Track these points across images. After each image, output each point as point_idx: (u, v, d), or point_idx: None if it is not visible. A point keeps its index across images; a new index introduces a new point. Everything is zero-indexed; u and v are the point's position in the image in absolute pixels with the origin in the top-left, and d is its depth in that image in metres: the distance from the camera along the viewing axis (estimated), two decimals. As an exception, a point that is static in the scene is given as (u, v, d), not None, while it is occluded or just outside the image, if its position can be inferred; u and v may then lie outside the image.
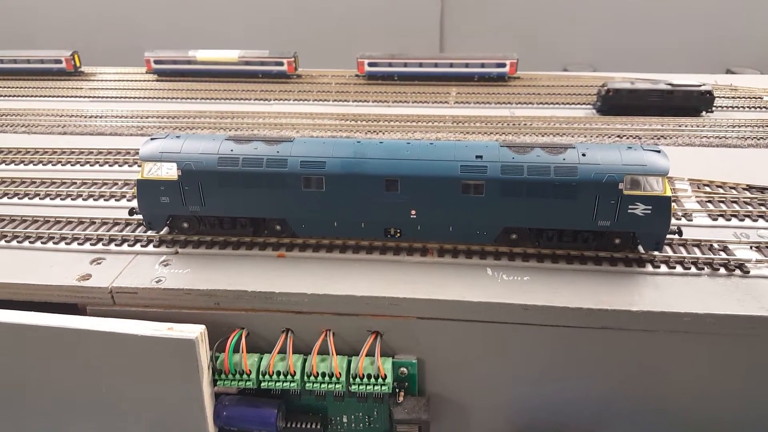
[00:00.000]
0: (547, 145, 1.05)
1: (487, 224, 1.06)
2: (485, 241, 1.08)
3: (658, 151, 1.03)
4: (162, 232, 1.15)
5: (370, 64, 2.24)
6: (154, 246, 1.12)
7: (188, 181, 1.06)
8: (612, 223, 1.02)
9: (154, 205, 1.09)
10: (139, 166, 1.18)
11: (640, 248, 1.07)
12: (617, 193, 1.00)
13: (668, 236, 1.04)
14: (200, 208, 1.09)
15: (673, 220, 1.18)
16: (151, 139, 1.11)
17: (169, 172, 1.07)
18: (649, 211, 1.01)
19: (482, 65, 2.21)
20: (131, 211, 1.14)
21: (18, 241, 1.15)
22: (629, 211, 1.01)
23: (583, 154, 1.01)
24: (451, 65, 2.21)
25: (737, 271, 1.02)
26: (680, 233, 1.07)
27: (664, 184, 1.00)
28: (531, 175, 1.00)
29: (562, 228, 1.06)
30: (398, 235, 1.09)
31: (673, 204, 1.25)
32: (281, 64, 2.26)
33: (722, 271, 1.03)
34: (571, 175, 1.00)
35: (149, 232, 1.15)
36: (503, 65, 2.21)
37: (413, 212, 1.05)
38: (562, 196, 1.01)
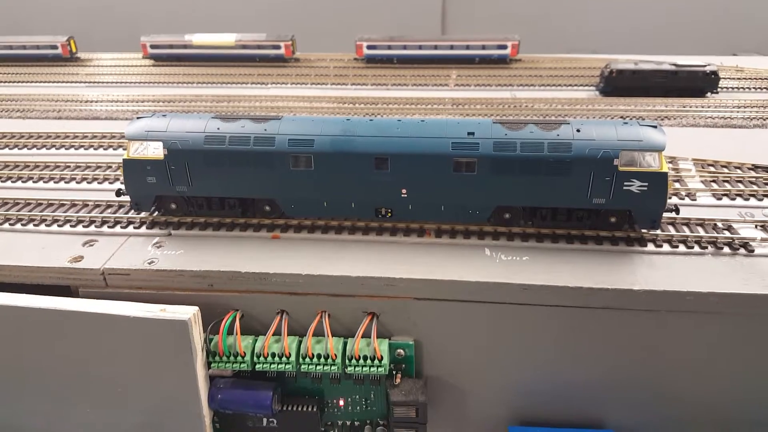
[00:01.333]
0: (541, 121, 1.02)
1: (480, 203, 1.03)
2: (478, 220, 1.06)
3: (655, 127, 1.00)
4: (155, 214, 1.13)
5: (369, 47, 2.21)
6: (147, 228, 1.11)
7: (174, 160, 1.04)
8: (607, 201, 1.00)
9: (140, 186, 1.07)
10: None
11: (638, 227, 1.04)
12: (612, 170, 0.97)
13: (665, 215, 1.02)
14: (187, 188, 1.07)
15: (675, 200, 1.16)
16: (137, 118, 1.09)
17: (155, 151, 1.04)
18: (645, 188, 0.97)
19: (483, 47, 2.18)
20: (118, 192, 1.12)
21: (10, 224, 1.14)
22: (625, 188, 0.98)
23: (578, 130, 0.99)
24: (452, 47, 2.18)
25: (741, 250, 1.00)
26: (677, 211, 1.05)
27: (661, 160, 0.97)
28: (524, 151, 0.98)
29: (556, 206, 1.03)
30: (389, 215, 1.06)
31: (675, 183, 1.23)
32: (279, 47, 2.24)
33: (726, 249, 1.01)
34: (565, 152, 0.97)
35: (142, 214, 1.13)
36: (504, 47, 2.18)
37: (404, 191, 1.03)
38: (556, 173, 0.98)
